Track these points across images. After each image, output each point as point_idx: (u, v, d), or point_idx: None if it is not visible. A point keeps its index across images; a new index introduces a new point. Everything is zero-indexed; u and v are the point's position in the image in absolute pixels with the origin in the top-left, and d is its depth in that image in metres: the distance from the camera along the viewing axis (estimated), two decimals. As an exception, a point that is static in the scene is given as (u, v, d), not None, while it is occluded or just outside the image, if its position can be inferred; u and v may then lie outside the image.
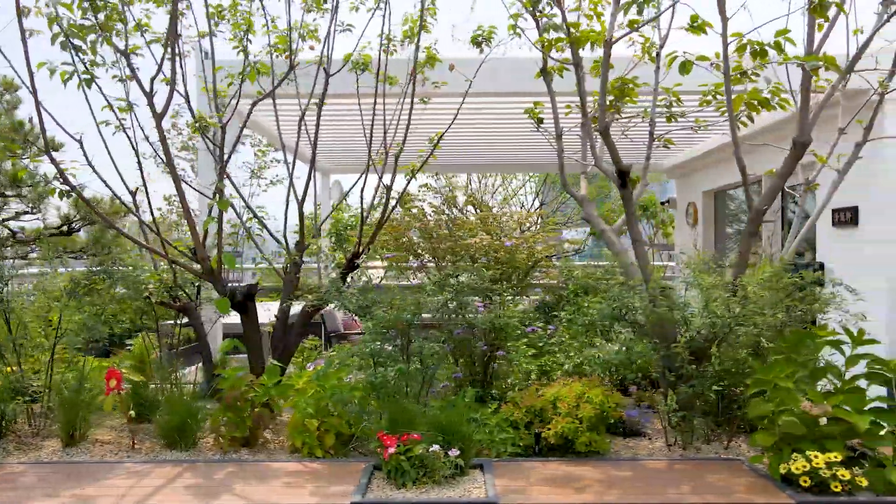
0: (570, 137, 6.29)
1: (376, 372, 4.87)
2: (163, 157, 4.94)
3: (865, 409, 4.03)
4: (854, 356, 4.24)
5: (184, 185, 5.11)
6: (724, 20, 4.40)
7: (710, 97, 5.20)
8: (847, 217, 6.93)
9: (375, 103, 5.41)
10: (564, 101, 5.89)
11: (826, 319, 4.77)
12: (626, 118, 6.16)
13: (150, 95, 4.71)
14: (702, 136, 8.89)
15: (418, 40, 5.33)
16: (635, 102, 5.52)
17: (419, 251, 5.74)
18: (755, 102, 5.04)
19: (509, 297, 5.23)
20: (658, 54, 5.52)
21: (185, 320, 5.85)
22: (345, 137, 8.71)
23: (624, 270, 5.46)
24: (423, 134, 6.62)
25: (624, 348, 4.62)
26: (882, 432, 3.94)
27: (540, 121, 6.04)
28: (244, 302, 5.39)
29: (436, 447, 4.11)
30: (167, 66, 4.70)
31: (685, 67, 4.54)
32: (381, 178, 6.07)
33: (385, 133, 5.79)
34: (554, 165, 5.64)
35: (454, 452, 4.15)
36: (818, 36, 4.47)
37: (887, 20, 4.37)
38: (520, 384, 5.03)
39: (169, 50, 4.71)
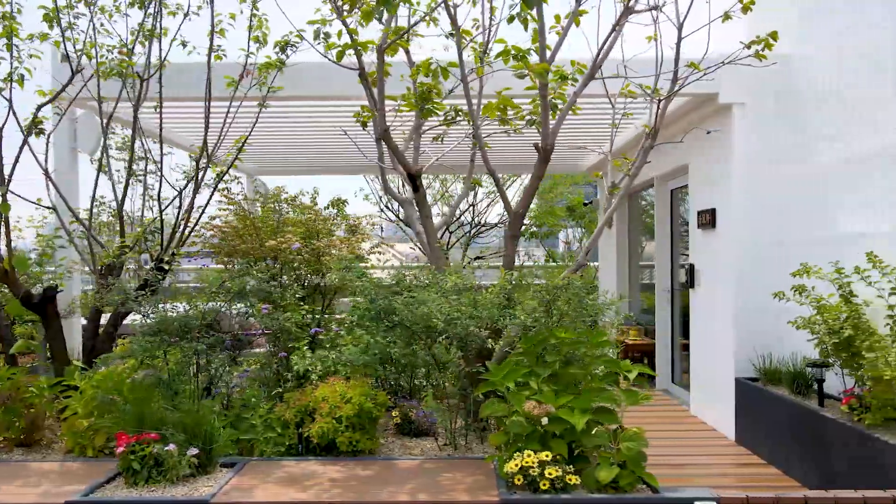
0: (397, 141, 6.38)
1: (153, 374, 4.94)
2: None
3: (591, 408, 4.12)
4: (592, 357, 4.33)
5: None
6: (456, 27, 4.48)
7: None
8: (707, 219, 7.07)
9: (161, 107, 5.45)
10: (391, 105, 5.97)
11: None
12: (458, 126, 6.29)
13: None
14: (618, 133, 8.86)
15: (211, 44, 5.40)
16: (443, 107, 5.60)
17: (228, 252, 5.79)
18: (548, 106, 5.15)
19: (297, 296, 5.31)
20: (481, 58, 5.62)
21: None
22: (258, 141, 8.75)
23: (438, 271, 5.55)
24: (266, 136, 6.58)
25: (375, 350, 4.68)
26: (595, 430, 4.03)
27: (364, 124, 6.14)
28: (42, 304, 5.43)
29: (171, 446, 4.17)
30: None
31: (439, 73, 4.61)
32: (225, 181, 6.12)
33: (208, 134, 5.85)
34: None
35: (192, 451, 4.20)
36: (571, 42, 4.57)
37: (620, 26, 4.46)
38: (303, 384, 5.10)
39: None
